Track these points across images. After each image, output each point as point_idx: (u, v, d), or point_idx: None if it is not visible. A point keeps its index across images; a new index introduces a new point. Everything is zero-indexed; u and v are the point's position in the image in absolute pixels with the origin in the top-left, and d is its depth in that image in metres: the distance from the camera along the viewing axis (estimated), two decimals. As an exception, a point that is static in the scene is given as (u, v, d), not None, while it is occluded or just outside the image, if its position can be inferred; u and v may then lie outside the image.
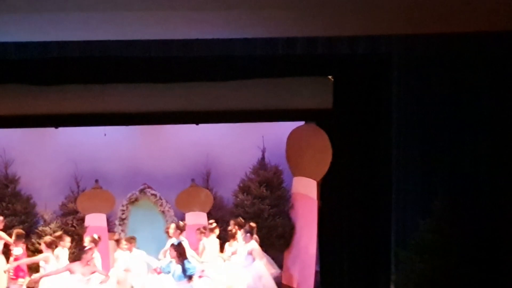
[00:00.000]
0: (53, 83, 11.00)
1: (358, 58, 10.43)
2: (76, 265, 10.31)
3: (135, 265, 11.77)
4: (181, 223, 11.92)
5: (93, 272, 10.32)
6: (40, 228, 13.25)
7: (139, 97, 11.33)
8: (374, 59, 10.51)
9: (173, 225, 12.34)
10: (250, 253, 11.58)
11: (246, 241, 11.84)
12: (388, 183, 10.51)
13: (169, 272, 10.62)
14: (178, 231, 11.64)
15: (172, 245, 10.92)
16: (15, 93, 11.18)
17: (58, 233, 12.06)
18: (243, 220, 12.32)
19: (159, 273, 11.13)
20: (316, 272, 12.77)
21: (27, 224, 13.03)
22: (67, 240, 11.88)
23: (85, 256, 10.29)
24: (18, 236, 11.70)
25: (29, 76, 10.81)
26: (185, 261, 10.51)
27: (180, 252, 10.56)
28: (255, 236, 11.99)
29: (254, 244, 11.85)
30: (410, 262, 9.75)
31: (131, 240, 11.91)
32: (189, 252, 11.26)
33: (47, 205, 13.67)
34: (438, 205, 9.69)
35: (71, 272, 10.26)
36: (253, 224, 12.04)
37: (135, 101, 11.37)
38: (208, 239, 12.22)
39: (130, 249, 11.73)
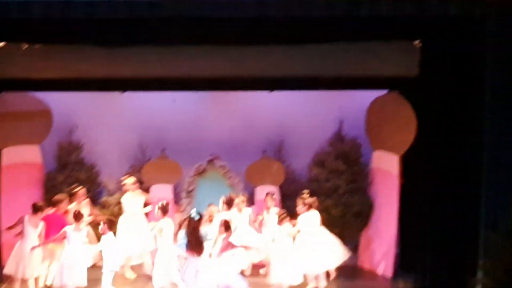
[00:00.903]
0: (120, 44, 11.12)
1: (449, 21, 10.19)
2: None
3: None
4: (164, 202, 11.37)
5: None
6: (104, 199, 13.63)
7: (210, 61, 11.34)
8: (467, 22, 10.25)
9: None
10: (222, 225, 10.79)
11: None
12: (479, 160, 10.27)
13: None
14: (160, 212, 11.12)
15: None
16: (81, 55, 11.35)
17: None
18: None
19: None
20: (396, 254, 12.74)
21: (90, 194, 13.34)
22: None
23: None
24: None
25: (96, 36, 10.89)
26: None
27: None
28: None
29: (227, 216, 11.50)
30: (500, 247, 9.59)
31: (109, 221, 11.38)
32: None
33: (111, 174, 14.06)
34: (534, 185, 9.51)
35: None
36: (233, 196, 11.83)
37: (205, 65, 11.38)
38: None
39: (104, 232, 11.05)
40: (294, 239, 11.58)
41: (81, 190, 12.40)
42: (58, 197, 11.87)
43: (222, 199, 11.79)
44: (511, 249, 9.50)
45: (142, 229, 12.23)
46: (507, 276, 9.51)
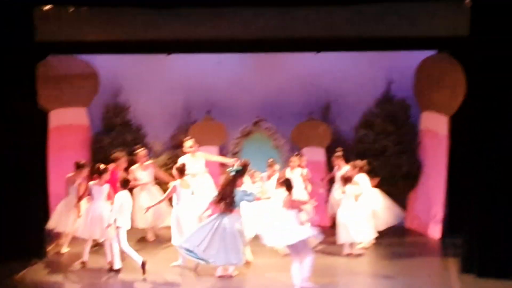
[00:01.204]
0: (166, 6, 11.19)
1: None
2: None
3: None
4: (181, 163, 11.59)
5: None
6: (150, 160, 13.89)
7: (256, 22, 11.31)
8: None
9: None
10: (283, 184, 10.42)
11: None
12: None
13: None
14: (177, 173, 11.26)
15: None
16: (127, 17, 11.43)
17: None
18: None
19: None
20: (444, 215, 12.82)
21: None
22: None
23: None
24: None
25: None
26: None
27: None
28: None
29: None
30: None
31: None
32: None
33: (157, 136, 14.33)
34: None
35: None
36: (246, 162, 10.96)
37: (251, 27, 11.36)
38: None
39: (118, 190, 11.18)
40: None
41: (142, 152, 12.78)
42: (116, 154, 12.18)
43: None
44: None
45: (203, 189, 12.27)
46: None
